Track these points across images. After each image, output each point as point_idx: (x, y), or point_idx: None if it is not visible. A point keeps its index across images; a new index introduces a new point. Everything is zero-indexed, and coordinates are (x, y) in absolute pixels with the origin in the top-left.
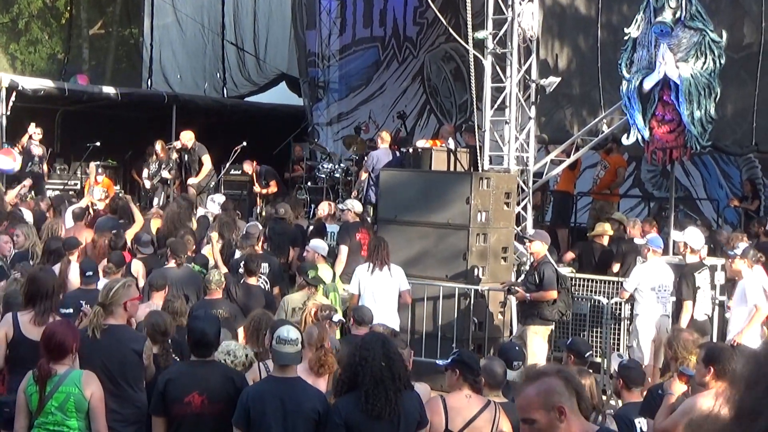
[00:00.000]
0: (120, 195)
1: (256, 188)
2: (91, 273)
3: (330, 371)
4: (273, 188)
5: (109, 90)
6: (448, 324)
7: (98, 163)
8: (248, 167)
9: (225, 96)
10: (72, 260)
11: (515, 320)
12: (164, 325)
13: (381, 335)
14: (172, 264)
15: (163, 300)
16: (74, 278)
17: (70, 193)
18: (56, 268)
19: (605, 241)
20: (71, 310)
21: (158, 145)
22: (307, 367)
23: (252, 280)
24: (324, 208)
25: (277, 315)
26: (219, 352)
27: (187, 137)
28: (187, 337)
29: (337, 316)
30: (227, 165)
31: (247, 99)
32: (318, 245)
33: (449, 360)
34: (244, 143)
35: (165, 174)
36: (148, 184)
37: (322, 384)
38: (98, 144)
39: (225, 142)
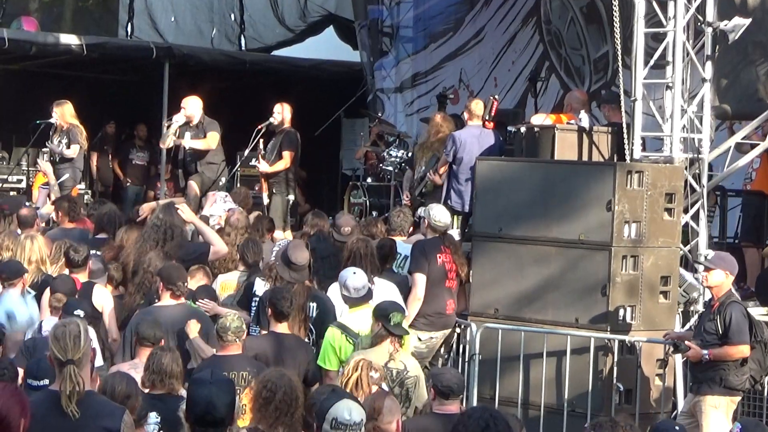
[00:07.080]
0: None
1: None
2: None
3: None
4: None
5: (69, 39)
6: (579, 392)
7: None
8: None
9: (243, 49)
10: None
11: (681, 387)
12: (122, 395)
13: (487, 410)
14: (166, 300)
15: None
16: None
17: (11, 194)
18: None
19: None
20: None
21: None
22: None
23: (283, 328)
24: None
25: None
26: None
27: (194, 106)
28: (185, 410)
29: (385, 384)
30: (246, 152)
31: (276, 53)
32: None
33: None
34: (272, 120)
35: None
36: None
37: None
38: (53, 121)
39: (243, 118)
